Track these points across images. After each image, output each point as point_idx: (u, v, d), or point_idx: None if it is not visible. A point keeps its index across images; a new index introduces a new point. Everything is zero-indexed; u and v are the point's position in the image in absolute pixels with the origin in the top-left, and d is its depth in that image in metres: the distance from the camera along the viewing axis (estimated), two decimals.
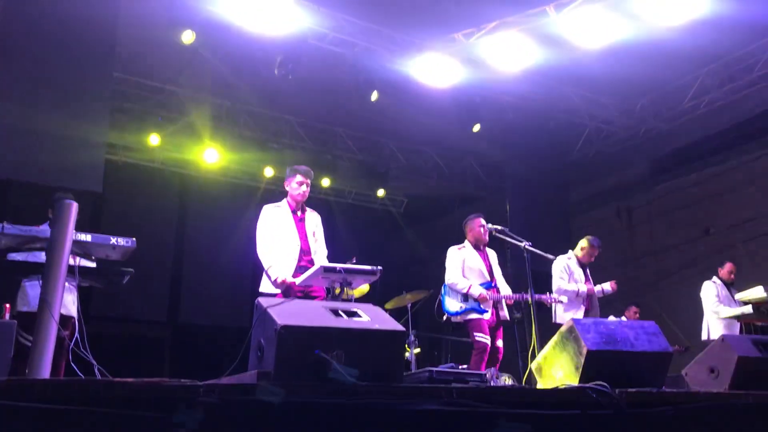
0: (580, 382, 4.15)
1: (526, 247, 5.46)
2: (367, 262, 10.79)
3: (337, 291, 4.27)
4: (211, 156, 9.46)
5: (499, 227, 5.88)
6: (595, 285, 6.92)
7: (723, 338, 4.94)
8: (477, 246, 6.33)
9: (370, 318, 3.56)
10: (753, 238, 9.71)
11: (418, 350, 7.37)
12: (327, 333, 3.33)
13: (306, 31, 7.37)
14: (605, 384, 3.91)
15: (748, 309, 6.52)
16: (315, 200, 11.10)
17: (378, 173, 10.78)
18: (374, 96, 8.04)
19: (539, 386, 4.52)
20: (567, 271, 6.74)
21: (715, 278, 7.61)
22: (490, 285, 6.19)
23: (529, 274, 5.38)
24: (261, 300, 3.48)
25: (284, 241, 5.00)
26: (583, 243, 6.95)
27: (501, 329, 6.17)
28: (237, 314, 9.47)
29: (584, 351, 4.29)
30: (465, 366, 5.16)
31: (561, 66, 8.42)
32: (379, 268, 4.38)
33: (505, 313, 6.14)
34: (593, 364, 4.25)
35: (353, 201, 11.43)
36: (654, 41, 7.83)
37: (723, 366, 4.89)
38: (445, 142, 10.92)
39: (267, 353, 3.29)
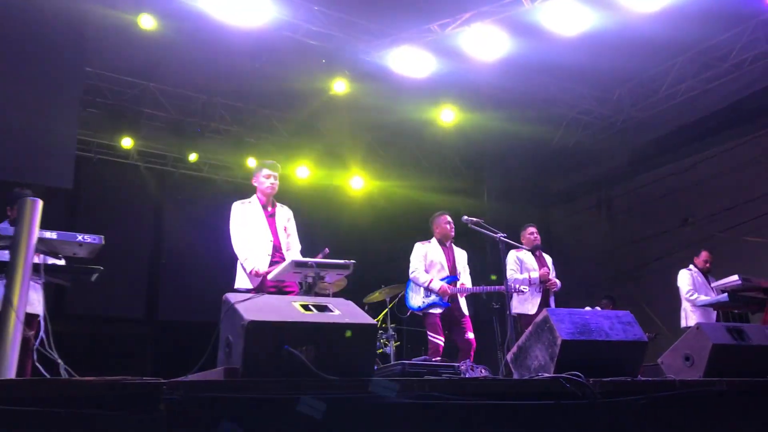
0: (555, 372, 4.15)
1: (500, 238, 5.44)
2: (345, 256, 10.82)
3: (309, 285, 4.21)
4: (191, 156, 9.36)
5: (475, 219, 5.86)
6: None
7: (698, 326, 4.96)
8: (442, 242, 6.42)
9: (341, 312, 3.52)
10: (731, 227, 9.77)
11: (397, 344, 7.33)
12: (296, 328, 3.29)
13: (280, 23, 7.28)
14: (579, 374, 3.92)
15: (724, 297, 6.54)
16: (291, 193, 11.06)
17: (356, 166, 10.71)
18: (340, 86, 7.98)
19: (515, 377, 4.50)
20: (517, 262, 6.88)
21: (691, 266, 7.63)
22: (452, 279, 6.26)
23: (504, 266, 5.36)
24: (229, 295, 3.43)
25: (256, 237, 4.95)
26: (522, 232, 7.12)
27: (468, 321, 6.22)
28: (218, 310, 9.37)
29: (559, 341, 4.28)
30: (438, 359, 5.15)
31: (538, 55, 8.41)
32: (352, 261, 4.34)
33: (464, 307, 6.25)
34: (568, 354, 4.24)
35: (332, 194, 11.33)
36: (629, 30, 7.83)
37: (698, 354, 4.91)
38: (423, 135, 10.86)
39: (235, 349, 3.24)
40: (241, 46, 7.64)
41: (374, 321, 3.47)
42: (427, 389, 3.36)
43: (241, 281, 4.78)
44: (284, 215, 5.21)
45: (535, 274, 6.78)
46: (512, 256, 6.89)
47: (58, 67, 6.31)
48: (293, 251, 5.00)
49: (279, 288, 4.77)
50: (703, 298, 7.12)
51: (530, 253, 6.93)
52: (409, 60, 7.84)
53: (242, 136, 9.86)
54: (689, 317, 7.29)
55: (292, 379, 3.11)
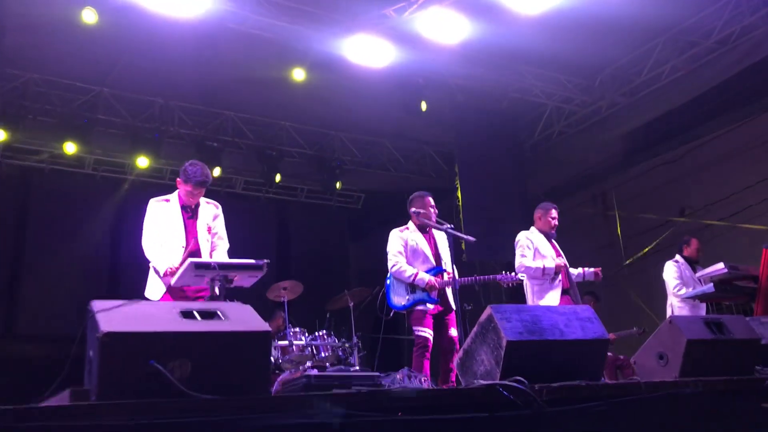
0: (501, 378, 3.63)
1: (447, 230, 4.92)
2: (324, 262, 10.34)
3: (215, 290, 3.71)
4: (142, 161, 8.86)
5: (422, 211, 5.33)
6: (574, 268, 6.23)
7: (671, 320, 4.43)
8: (422, 228, 5.59)
9: (230, 319, 3.02)
10: (730, 215, 9.23)
11: (362, 354, 6.81)
12: (166, 339, 2.79)
13: (222, 13, 6.82)
14: (521, 379, 3.40)
15: (709, 287, 5.98)
16: (265, 200, 10.63)
17: (330, 168, 10.22)
18: (301, 75, 7.50)
19: (463, 386, 3.96)
20: (531, 247, 5.94)
21: (677, 257, 7.06)
22: (438, 270, 5.47)
23: (452, 258, 4.84)
24: (95, 303, 2.93)
25: (170, 241, 4.41)
26: (537, 213, 6.19)
27: (453, 317, 5.43)
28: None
29: (504, 342, 3.77)
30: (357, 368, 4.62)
31: (507, 41, 7.92)
32: (266, 261, 3.84)
33: (451, 301, 5.40)
34: (515, 357, 3.73)
35: (306, 199, 10.87)
36: (604, 11, 7.36)
37: (672, 351, 4.40)
38: (398, 131, 10.39)
39: (94, 366, 2.75)
40: (183, 41, 7.19)
41: (267, 328, 2.97)
42: (329, 406, 2.85)
43: (153, 289, 4.25)
44: (209, 213, 4.67)
45: (550, 263, 5.83)
46: (523, 239, 5.97)
47: None
48: (220, 252, 4.47)
49: (197, 298, 4.26)
50: (689, 291, 6.54)
51: (545, 237, 6.03)
52: (366, 49, 7.34)
53: (204, 140, 9.39)
54: (676, 312, 6.72)
55: (153, 401, 2.61)
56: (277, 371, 6.06)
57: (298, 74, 7.67)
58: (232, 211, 10.10)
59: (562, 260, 5.99)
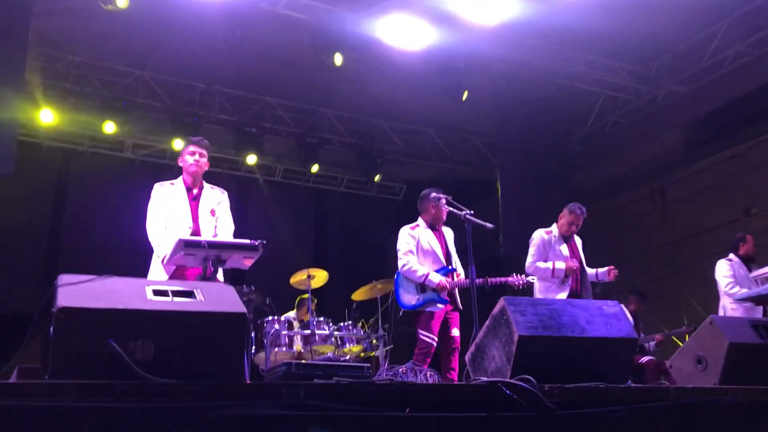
0: (512, 376, 3.31)
1: (466, 216, 4.59)
2: (362, 254, 10.10)
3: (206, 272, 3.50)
4: (179, 145, 8.82)
5: (445, 196, 5.04)
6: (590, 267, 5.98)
7: (712, 320, 4.00)
8: (433, 226, 5.47)
9: (205, 299, 2.80)
10: None
11: (388, 348, 6.53)
12: (129, 318, 2.59)
13: None
14: (528, 377, 3.08)
15: (766, 289, 5.46)
16: (304, 189, 10.47)
17: (371, 157, 9.98)
18: (338, 60, 7.25)
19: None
20: (544, 247, 5.78)
21: (731, 255, 6.52)
22: (448, 270, 5.35)
23: (470, 250, 4.51)
24: (62, 277, 2.76)
25: (175, 223, 4.33)
26: (563, 212, 5.96)
27: (457, 317, 5.36)
28: None
29: (515, 337, 3.45)
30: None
31: (554, 23, 7.49)
32: (262, 242, 3.62)
33: (458, 302, 5.34)
34: (527, 354, 3.41)
35: (345, 189, 10.66)
36: None
37: (712, 355, 3.97)
38: (442, 120, 10.05)
39: (50, 343, 2.57)
40: (220, 23, 7.06)
41: (242, 310, 2.73)
42: (301, 396, 2.60)
43: (154, 273, 4.13)
44: (213, 197, 4.58)
45: (561, 265, 5.66)
46: (540, 238, 5.80)
47: None
48: (221, 237, 4.32)
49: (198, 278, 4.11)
50: (743, 292, 6.01)
51: (563, 238, 5.84)
52: (402, 30, 7.04)
53: (243, 126, 9.29)
54: (729, 315, 6.19)
55: (107, 383, 2.41)
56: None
57: (336, 59, 7.43)
58: (271, 199, 10.22)
59: (575, 263, 5.77)
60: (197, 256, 3.51)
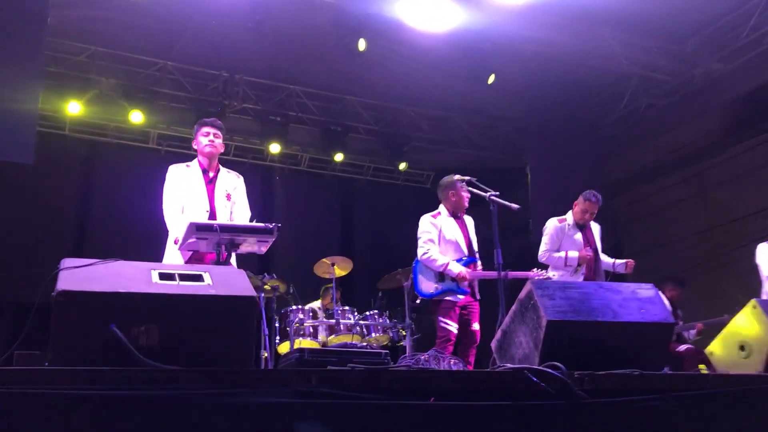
0: (540, 362, 3.14)
1: (491, 197, 4.40)
2: (390, 243, 9.94)
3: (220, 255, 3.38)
4: None
5: (467, 178, 4.86)
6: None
7: (755, 305, 3.77)
8: (455, 214, 5.34)
9: (213, 282, 2.68)
10: None
11: (416, 337, 6.36)
12: (133, 302, 2.48)
13: None
14: (556, 364, 2.90)
15: None
16: (330, 178, 10.32)
17: (398, 144, 9.79)
18: (361, 45, 7.08)
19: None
20: (557, 236, 5.64)
21: None
22: (471, 260, 5.21)
23: (496, 231, 4.32)
24: (66, 261, 2.66)
25: (191, 206, 4.23)
26: (578, 200, 5.80)
27: (478, 310, 5.23)
28: None
29: (543, 322, 3.27)
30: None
31: (587, 1, 7.25)
32: (277, 225, 3.48)
33: (476, 292, 5.22)
34: (556, 340, 3.24)
35: (372, 177, 10.50)
36: None
37: (756, 341, 3.75)
38: (471, 106, 9.80)
39: (51, 329, 2.47)
40: (242, 10, 6.95)
41: (252, 293, 2.61)
42: (313, 383, 2.46)
43: (169, 258, 4.03)
44: (229, 181, 4.47)
45: (574, 254, 5.53)
46: (553, 227, 5.67)
47: (17, 39, 5.89)
48: (237, 221, 4.20)
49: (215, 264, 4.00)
50: None
51: (577, 227, 5.71)
52: (426, 10, 6.84)
53: (268, 115, 9.18)
54: None
55: (108, 370, 2.29)
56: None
57: (360, 44, 7.27)
58: (297, 189, 10.10)
59: (589, 252, 5.60)
60: (210, 240, 3.39)
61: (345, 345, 4.40)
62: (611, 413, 2.81)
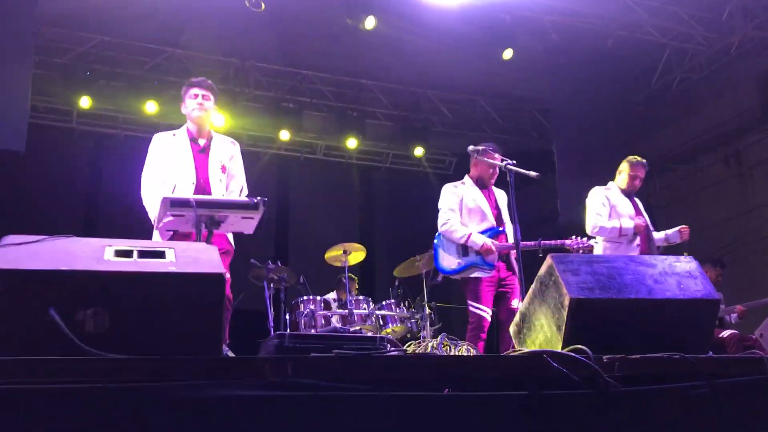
0: (563, 347, 2.74)
1: (507, 166, 3.98)
2: (412, 232, 9.56)
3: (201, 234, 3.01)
4: (219, 122, 8.43)
5: (481, 147, 4.44)
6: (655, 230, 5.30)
7: None
8: (481, 183, 4.85)
9: (177, 259, 2.32)
10: None
11: (436, 327, 5.97)
12: (78, 282, 2.13)
13: None
14: (581, 347, 2.51)
15: None
16: (347, 166, 9.95)
17: (417, 129, 9.39)
18: (369, 23, 6.70)
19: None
20: (606, 205, 5.11)
21: None
22: (496, 231, 4.70)
23: (513, 204, 3.90)
24: (8, 237, 2.33)
25: (176, 180, 3.79)
26: (622, 166, 5.32)
27: (517, 285, 4.60)
28: None
29: (566, 301, 2.85)
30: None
31: None
32: (263, 199, 3.09)
33: (514, 266, 4.62)
34: (581, 321, 2.81)
35: (391, 165, 10.09)
36: None
37: None
38: (492, 87, 9.35)
39: None
40: None
41: (220, 271, 2.24)
42: (289, 373, 2.09)
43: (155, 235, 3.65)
44: (224, 150, 4.00)
45: (628, 223, 5.02)
46: (599, 195, 5.18)
47: (7, 26, 5.66)
48: (232, 197, 3.80)
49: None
50: None
51: (625, 195, 5.22)
52: None
53: (281, 102, 8.85)
54: None
55: (45, 359, 1.95)
56: None
57: (368, 22, 6.89)
58: (313, 178, 9.75)
59: (643, 220, 5.10)
60: (187, 218, 3.03)
61: (335, 330, 4.03)
62: (646, 403, 2.40)
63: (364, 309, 5.78)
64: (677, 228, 5.31)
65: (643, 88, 9.28)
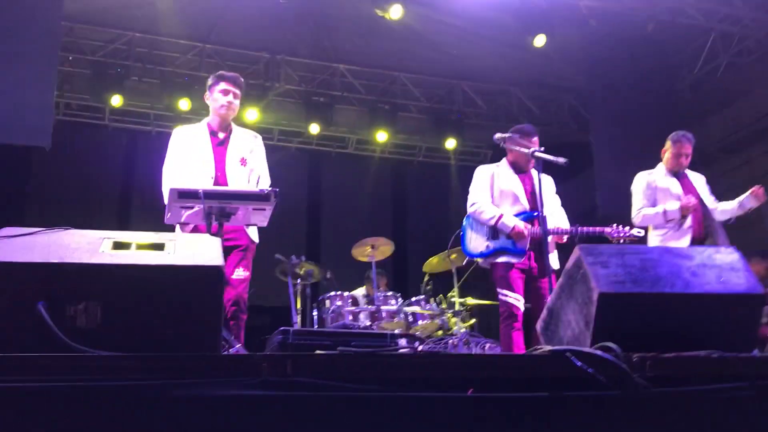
0: (592, 344, 2.56)
1: (534, 153, 3.77)
2: (445, 227, 9.39)
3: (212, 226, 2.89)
4: (250, 115, 8.38)
5: (508, 134, 4.23)
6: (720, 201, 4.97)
7: None
8: (517, 167, 4.53)
9: (176, 251, 2.21)
10: None
11: (469, 323, 5.77)
12: (69, 275, 2.04)
13: None
14: (609, 345, 2.33)
15: None
16: (380, 160, 9.81)
17: (451, 121, 9.19)
18: (396, 13, 6.53)
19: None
20: (649, 189, 4.80)
21: None
22: (530, 215, 4.36)
23: (540, 192, 3.70)
24: (5, 229, 2.25)
25: (195, 173, 3.72)
26: (666, 145, 4.96)
27: (550, 280, 4.35)
28: None
29: (595, 295, 2.66)
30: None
31: None
32: (275, 189, 2.97)
33: (552, 258, 4.28)
34: (612, 317, 2.62)
35: (424, 158, 9.90)
36: None
37: None
38: (528, 76, 9.10)
39: None
40: None
41: (218, 264, 2.12)
42: (288, 372, 1.96)
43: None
44: (244, 144, 3.92)
45: (673, 206, 4.67)
46: (641, 182, 4.86)
47: (31, 23, 5.69)
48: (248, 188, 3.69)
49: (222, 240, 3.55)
50: None
51: (673, 176, 4.87)
52: None
53: (311, 96, 8.75)
54: None
55: (34, 357, 1.86)
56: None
57: (394, 11, 6.73)
58: (345, 173, 9.64)
59: (691, 199, 4.70)
60: (196, 209, 2.92)
61: (344, 326, 3.86)
62: (681, 407, 2.20)
63: (393, 305, 5.63)
64: (749, 192, 4.86)
65: (687, 75, 8.89)
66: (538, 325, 3.09)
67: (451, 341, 2.93)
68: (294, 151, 9.11)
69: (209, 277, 2.11)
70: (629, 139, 7.76)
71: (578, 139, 9.35)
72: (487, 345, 3.20)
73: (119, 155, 8.72)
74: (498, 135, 4.29)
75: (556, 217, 4.55)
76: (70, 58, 7.97)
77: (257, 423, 1.90)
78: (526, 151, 3.95)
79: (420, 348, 2.65)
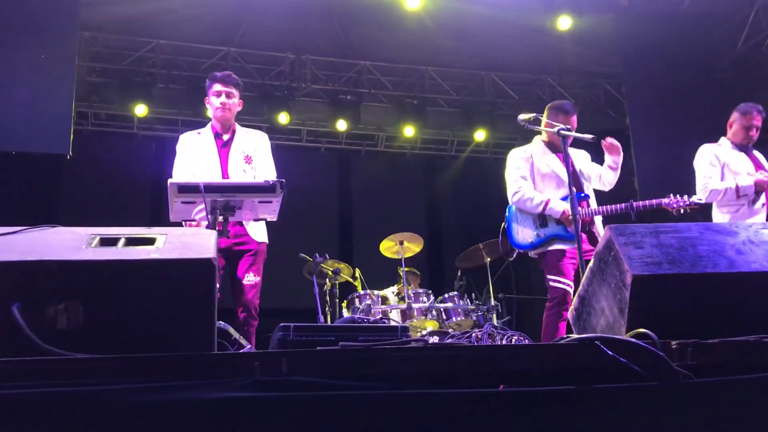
0: (627, 332, 2.35)
1: (560, 131, 3.54)
2: (480, 221, 9.15)
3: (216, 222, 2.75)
4: (282, 118, 8.29)
5: (533, 115, 4.00)
6: None
7: None
8: (553, 147, 4.31)
9: (164, 246, 2.07)
10: None
11: (505, 319, 5.55)
12: (47, 273, 1.91)
13: None
14: (645, 331, 2.12)
15: None
16: (410, 156, 9.60)
17: (481, 114, 8.94)
18: (414, 1, 6.35)
19: None
20: (716, 164, 4.48)
21: None
22: (578, 196, 4.07)
23: (569, 172, 3.46)
24: None
25: (203, 175, 3.68)
26: (732, 117, 4.65)
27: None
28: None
29: (628, 278, 2.44)
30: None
31: None
32: (281, 180, 2.81)
33: (599, 236, 4.09)
34: (647, 302, 2.39)
35: (456, 153, 9.65)
36: None
37: None
38: (561, 64, 8.81)
39: None
40: None
41: (209, 256, 1.97)
42: (283, 371, 1.79)
43: None
44: (248, 142, 3.87)
45: (746, 180, 4.36)
46: (706, 154, 4.54)
47: (50, 31, 5.78)
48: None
49: (234, 245, 3.46)
50: None
51: (740, 150, 4.57)
52: None
53: (338, 94, 8.61)
54: None
55: (9, 361, 1.73)
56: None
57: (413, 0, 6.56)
58: (376, 170, 9.47)
59: (766, 174, 4.38)
60: (198, 203, 2.78)
61: (353, 320, 3.68)
62: (726, 397, 1.95)
63: (424, 302, 5.44)
64: None
65: (728, 53, 8.47)
66: (570, 315, 2.88)
67: (474, 334, 2.75)
68: (323, 151, 8.99)
69: (200, 271, 1.96)
70: (668, 124, 7.42)
71: (615, 126, 9.03)
72: (514, 338, 2.98)
73: (149, 162, 8.71)
74: (521, 117, 4.05)
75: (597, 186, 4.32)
76: (97, 68, 8.00)
77: (249, 427, 1.73)
78: (551, 130, 3.72)
79: (432, 341, 2.46)
